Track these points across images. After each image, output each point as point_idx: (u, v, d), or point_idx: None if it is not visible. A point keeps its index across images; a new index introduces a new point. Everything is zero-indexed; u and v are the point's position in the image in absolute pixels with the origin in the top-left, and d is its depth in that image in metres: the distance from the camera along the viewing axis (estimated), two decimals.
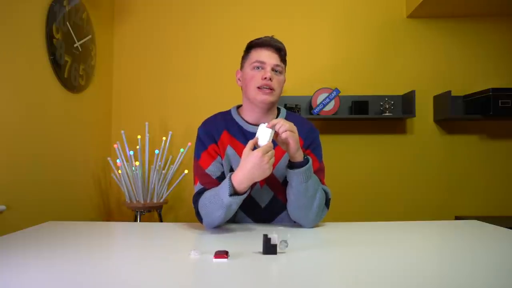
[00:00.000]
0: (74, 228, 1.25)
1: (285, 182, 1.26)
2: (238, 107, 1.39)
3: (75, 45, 2.17)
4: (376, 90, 2.72)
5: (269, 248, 0.89)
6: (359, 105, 2.56)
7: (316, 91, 2.61)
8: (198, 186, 1.25)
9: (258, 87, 1.23)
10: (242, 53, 1.38)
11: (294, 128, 1.15)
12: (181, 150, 2.51)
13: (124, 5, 2.79)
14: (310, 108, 2.64)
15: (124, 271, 0.79)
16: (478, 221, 1.35)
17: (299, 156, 1.16)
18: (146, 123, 2.54)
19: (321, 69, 2.75)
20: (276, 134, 1.14)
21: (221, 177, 1.24)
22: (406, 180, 2.72)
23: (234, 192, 1.12)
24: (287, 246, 0.91)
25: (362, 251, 0.95)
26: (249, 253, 0.91)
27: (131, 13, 2.79)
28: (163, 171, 2.44)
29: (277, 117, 1.34)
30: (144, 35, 2.78)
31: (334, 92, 2.54)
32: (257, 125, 1.23)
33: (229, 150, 1.28)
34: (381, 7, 2.76)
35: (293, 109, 2.55)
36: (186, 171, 2.55)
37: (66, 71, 2.08)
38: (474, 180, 2.70)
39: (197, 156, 1.30)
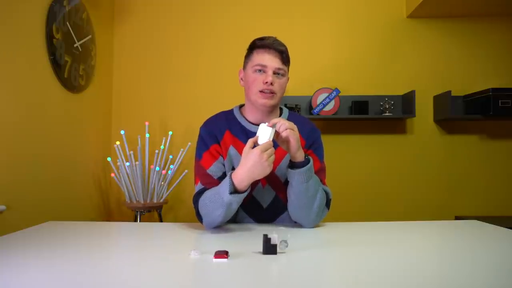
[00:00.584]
0: (74, 228, 1.25)
1: (287, 182, 1.25)
2: (241, 106, 1.39)
3: (75, 45, 2.17)
4: (376, 90, 2.72)
5: (269, 248, 0.89)
6: (359, 105, 2.56)
7: (316, 91, 2.61)
8: (199, 186, 1.25)
9: (260, 91, 1.23)
10: (242, 53, 1.37)
11: (295, 127, 1.14)
12: (181, 150, 2.51)
13: (124, 5, 2.79)
14: (310, 108, 2.64)
15: (124, 271, 0.79)
16: (478, 221, 1.35)
17: (299, 156, 1.16)
18: (146, 123, 2.54)
19: (321, 69, 2.75)
20: (277, 134, 1.14)
21: (223, 178, 1.23)
22: (406, 180, 2.72)
23: (235, 190, 1.11)
24: (287, 246, 0.91)
25: (362, 251, 0.95)
26: (249, 253, 0.91)
27: (131, 13, 2.79)
28: (163, 171, 2.44)
29: (279, 117, 1.34)
30: (144, 35, 2.79)
31: (334, 92, 2.54)
32: (259, 125, 1.23)
33: (232, 150, 1.28)
34: (381, 7, 2.76)
35: (293, 109, 2.55)
36: (186, 171, 2.55)
37: (66, 71, 2.08)
38: (474, 180, 2.70)
39: (198, 156, 1.30)
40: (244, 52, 1.36)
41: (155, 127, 2.73)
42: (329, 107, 2.56)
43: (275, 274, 0.80)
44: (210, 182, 1.24)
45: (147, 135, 2.47)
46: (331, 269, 0.83)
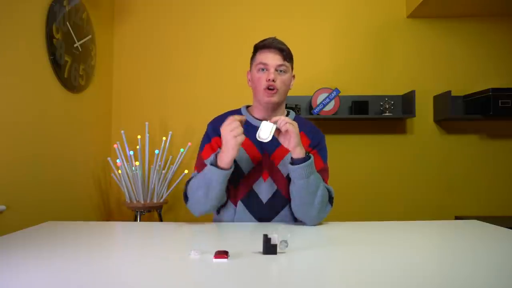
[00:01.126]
0: (74, 228, 1.25)
1: (289, 178, 1.28)
2: (247, 107, 1.46)
3: (75, 45, 2.17)
4: (376, 90, 2.72)
5: (269, 248, 0.89)
6: (359, 105, 2.56)
7: (316, 91, 2.61)
8: (194, 173, 1.34)
9: (264, 89, 1.30)
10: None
11: (295, 123, 1.19)
12: (181, 150, 2.51)
13: (124, 5, 2.79)
14: (310, 108, 2.64)
15: (124, 271, 0.79)
16: (478, 221, 1.35)
17: (300, 152, 1.20)
18: (146, 123, 2.54)
19: (321, 69, 2.75)
20: (278, 132, 1.18)
21: None
22: (406, 180, 2.72)
23: (216, 165, 1.19)
24: (287, 246, 0.91)
25: (362, 251, 0.95)
26: (249, 253, 0.91)
27: (131, 13, 2.79)
28: (163, 171, 2.44)
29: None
30: (144, 35, 2.79)
31: (334, 92, 2.54)
32: (265, 120, 1.32)
33: None
34: (381, 7, 2.76)
35: (293, 109, 2.54)
36: (186, 171, 2.55)
37: (66, 71, 2.08)
38: (474, 180, 2.70)
39: (200, 148, 1.39)
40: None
41: (155, 127, 2.73)
42: (329, 107, 2.56)
43: (275, 274, 0.80)
44: None
45: (147, 135, 2.47)
46: (332, 269, 0.83)
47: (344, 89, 2.66)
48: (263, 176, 1.33)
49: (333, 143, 2.72)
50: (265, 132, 1.14)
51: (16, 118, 1.69)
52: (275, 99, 1.31)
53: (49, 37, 1.91)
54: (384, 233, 1.19)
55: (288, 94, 2.79)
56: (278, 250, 0.90)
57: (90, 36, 2.35)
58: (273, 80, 1.28)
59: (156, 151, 2.45)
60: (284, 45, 1.35)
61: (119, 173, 2.40)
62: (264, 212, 1.33)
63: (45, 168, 1.91)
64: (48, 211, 1.90)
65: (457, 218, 2.62)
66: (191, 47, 2.78)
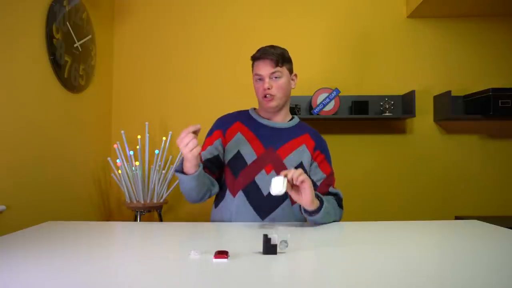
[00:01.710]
0: (74, 228, 1.25)
1: None
2: (255, 108, 1.55)
3: (75, 45, 2.17)
4: (376, 90, 2.72)
5: (269, 248, 0.89)
6: (359, 105, 2.56)
7: (316, 91, 2.61)
8: None
9: (262, 97, 1.40)
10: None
11: (308, 179, 1.18)
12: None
13: (124, 5, 2.79)
14: (310, 108, 2.64)
15: (124, 271, 0.79)
16: (478, 221, 1.35)
17: (315, 204, 1.21)
18: (146, 123, 2.54)
19: (321, 69, 2.75)
20: (290, 185, 1.17)
21: (209, 161, 1.40)
22: (406, 180, 2.72)
23: (181, 171, 1.29)
24: (287, 246, 0.91)
25: (362, 250, 0.95)
26: (249, 253, 0.91)
27: (131, 13, 2.79)
28: (163, 171, 2.44)
29: (289, 121, 1.50)
30: (144, 35, 2.79)
31: (334, 92, 2.54)
32: (270, 120, 1.46)
33: (239, 136, 1.42)
34: (381, 7, 2.76)
35: (293, 109, 2.55)
36: None
37: (66, 71, 2.08)
38: (474, 180, 2.70)
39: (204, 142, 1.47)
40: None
41: (155, 127, 2.73)
42: (329, 107, 2.56)
43: (275, 274, 0.80)
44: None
45: (147, 135, 2.47)
46: (331, 269, 0.83)
47: (344, 89, 2.66)
48: (266, 169, 1.37)
49: (333, 143, 2.71)
50: (278, 186, 1.12)
51: (16, 118, 1.69)
52: (273, 104, 1.40)
53: (49, 37, 1.91)
54: (384, 233, 1.19)
55: None
56: (278, 250, 0.90)
57: (90, 36, 2.35)
58: (269, 88, 1.37)
59: (156, 151, 2.45)
60: (277, 50, 1.40)
61: (119, 173, 2.40)
62: (264, 205, 1.35)
63: (45, 168, 1.91)
64: (48, 211, 1.90)
65: (457, 218, 2.62)
66: (191, 47, 2.78)
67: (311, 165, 1.44)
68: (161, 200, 2.45)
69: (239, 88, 2.71)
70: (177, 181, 2.49)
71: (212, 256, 0.86)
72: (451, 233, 1.22)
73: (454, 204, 2.69)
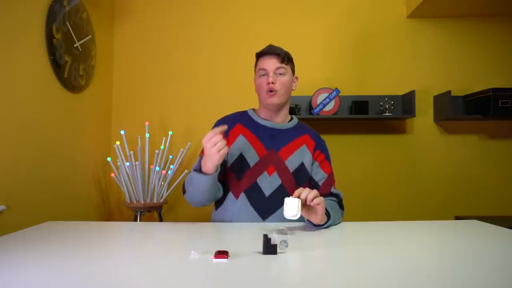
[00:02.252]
0: (74, 228, 1.25)
1: (295, 172, 1.39)
2: (254, 109, 1.55)
3: (75, 45, 2.17)
4: (376, 90, 2.72)
5: (269, 248, 0.89)
6: (359, 105, 2.56)
7: (316, 91, 2.61)
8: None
9: (266, 92, 1.39)
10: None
11: (322, 198, 1.16)
12: (181, 150, 2.51)
13: (124, 5, 2.79)
14: (310, 108, 2.64)
15: (124, 271, 0.79)
16: (478, 221, 1.35)
17: (322, 220, 1.20)
18: (146, 123, 2.54)
19: (321, 69, 2.75)
20: (303, 204, 1.15)
21: None
22: (406, 180, 2.72)
23: (200, 170, 1.26)
24: (287, 246, 0.91)
25: (362, 250, 0.95)
26: (249, 253, 0.91)
27: (131, 13, 2.79)
28: (163, 171, 2.44)
29: (289, 122, 1.49)
30: (144, 35, 2.79)
31: (334, 92, 2.54)
32: (270, 120, 1.45)
33: (241, 138, 1.41)
34: (381, 7, 2.76)
35: (293, 109, 2.55)
36: (186, 171, 2.55)
37: (66, 71, 2.08)
38: (474, 180, 2.70)
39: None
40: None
41: (155, 127, 2.73)
42: (329, 107, 2.56)
43: (275, 274, 0.80)
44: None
45: (147, 135, 2.47)
46: (332, 269, 0.83)
47: (344, 89, 2.66)
48: (268, 170, 1.38)
49: (333, 143, 2.72)
50: (292, 209, 1.09)
51: (16, 118, 1.69)
52: (275, 100, 1.39)
53: (49, 37, 1.91)
54: (384, 233, 1.19)
55: None
56: (278, 250, 0.90)
57: (90, 36, 2.35)
58: (273, 82, 1.36)
59: (156, 151, 2.45)
60: (281, 49, 1.42)
61: (119, 173, 2.40)
62: (265, 206, 1.36)
63: (45, 168, 1.91)
64: (48, 211, 1.90)
65: (457, 218, 2.62)
66: (191, 47, 2.78)
67: (312, 164, 1.44)
68: (161, 200, 2.45)
69: (239, 88, 2.71)
70: (177, 181, 2.50)
71: (212, 256, 0.86)
72: (451, 233, 1.21)
73: (454, 204, 2.69)
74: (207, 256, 0.87)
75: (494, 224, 1.27)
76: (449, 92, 2.48)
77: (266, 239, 0.89)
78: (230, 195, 1.39)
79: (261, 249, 0.91)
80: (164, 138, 2.57)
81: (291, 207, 1.09)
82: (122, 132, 2.45)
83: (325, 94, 2.57)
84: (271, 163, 1.39)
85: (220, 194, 1.41)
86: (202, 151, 1.40)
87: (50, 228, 1.23)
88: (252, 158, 1.38)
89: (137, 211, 2.38)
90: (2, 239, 1.06)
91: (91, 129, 2.44)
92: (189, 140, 2.65)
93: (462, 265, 0.82)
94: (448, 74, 2.72)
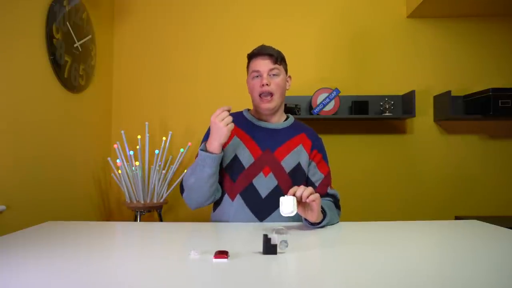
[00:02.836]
0: (74, 228, 1.25)
1: (291, 172, 1.37)
2: (249, 110, 1.54)
3: (75, 45, 2.17)
4: (376, 90, 2.72)
5: (269, 248, 0.89)
6: (359, 105, 2.56)
7: (316, 91, 2.61)
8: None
9: (259, 95, 1.37)
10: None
11: (317, 195, 1.17)
12: (181, 150, 2.51)
13: (124, 5, 2.79)
14: (310, 108, 2.64)
15: (124, 271, 0.79)
16: (478, 221, 1.35)
17: (318, 218, 1.20)
18: (146, 123, 2.54)
19: (321, 69, 2.75)
20: (298, 201, 1.15)
21: None
22: (406, 180, 2.72)
23: (205, 150, 1.27)
24: (287, 246, 0.91)
25: (362, 250, 0.95)
26: (249, 253, 0.91)
27: (131, 13, 2.79)
28: (163, 171, 2.44)
29: (284, 121, 1.48)
30: (144, 35, 2.79)
31: (334, 92, 2.54)
32: (265, 121, 1.44)
33: (235, 139, 1.41)
34: (381, 7, 2.76)
35: (293, 109, 2.55)
36: (186, 171, 2.55)
37: (66, 71, 2.08)
38: (474, 180, 2.70)
39: (200, 144, 1.44)
40: (244, 52, 1.47)
41: (155, 127, 2.73)
42: (329, 107, 2.56)
43: (275, 274, 0.80)
44: None
45: (147, 135, 2.47)
46: (331, 269, 0.83)
47: (344, 89, 2.66)
48: (264, 171, 1.36)
49: (333, 143, 2.72)
50: (288, 207, 1.10)
51: (16, 118, 1.69)
52: (272, 105, 1.38)
53: (49, 37, 1.91)
54: (384, 233, 1.19)
55: (288, 94, 2.82)
56: (278, 250, 0.90)
57: (90, 36, 2.35)
58: (267, 84, 1.34)
59: (156, 151, 2.45)
60: (273, 49, 1.40)
61: (119, 173, 2.40)
62: (262, 208, 1.35)
63: (45, 168, 1.91)
64: (48, 211, 1.90)
65: (457, 218, 2.62)
66: (191, 47, 2.78)
67: (309, 165, 1.43)
68: (161, 200, 2.45)
69: (239, 88, 2.71)
70: (177, 181, 2.50)
71: (212, 256, 0.86)
72: (451, 233, 1.21)
73: (454, 204, 2.69)
74: (207, 256, 0.87)
75: (494, 224, 1.27)
76: (449, 92, 2.48)
77: (266, 239, 0.89)
78: (226, 197, 1.39)
79: (261, 249, 0.91)
80: (164, 138, 2.57)
81: (287, 204, 1.10)
82: (122, 132, 2.45)
83: (325, 94, 2.57)
84: (266, 163, 1.37)
85: (219, 194, 1.40)
86: (197, 155, 1.41)
87: (50, 228, 1.23)
88: (247, 159, 1.37)
89: (137, 211, 2.38)
90: (2, 239, 1.06)
91: (91, 129, 2.44)
92: (189, 140, 2.65)
93: (462, 265, 0.82)
94: (448, 74, 2.72)
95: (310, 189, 1.14)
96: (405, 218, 2.64)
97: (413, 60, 2.74)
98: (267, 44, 1.45)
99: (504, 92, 2.38)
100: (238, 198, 1.35)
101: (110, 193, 2.73)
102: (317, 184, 1.42)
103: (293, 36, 2.74)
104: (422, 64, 2.73)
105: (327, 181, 1.44)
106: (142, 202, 2.37)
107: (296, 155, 1.40)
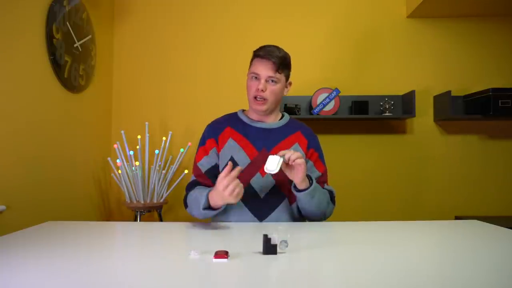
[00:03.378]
0: (74, 228, 1.25)
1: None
2: (244, 110, 1.54)
3: (75, 45, 2.17)
4: (376, 90, 2.72)
5: (269, 248, 0.89)
6: (359, 105, 2.56)
7: (316, 91, 2.61)
8: (192, 177, 1.44)
9: (254, 97, 1.38)
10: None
11: (302, 158, 1.24)
12: (181, 150, 2.51)
13: (124, 5, 2.79)
14: (310, 108, 2.64)
15: (124, 271, 0.79)
16: (478, 221, 1.36)
17: (305, 183, 1.28)
18: (146, 123, 2.54)
19: (321, 69, 2.75)
20: (285, 165, 1.23)
21: (209, 171, 1.41)
22: (406, 180, 2.72)
23: (209, 206, 1.24)
24: (287, 246, 0.91)
25: (362, 250, 0.95)
26: (249, 253, 0.91)
27: (131, 13, 2.79)
28: (163, 171, 2.44)
29: (280, 120, 1.49)
30: (144, 35, 2.78)
31: (334, 92, 2.54)
32: (260, 120, 1.44)
33: (231, 142, 1.40)
34: (381, 7, 2.76)
35: (293, 109, 2.55)
36: (186, 171, 2.55)
37: (66, 71, 2.08)
38: (474, 180, 2.70)
39: (197, 150, 1.47)
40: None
41: (155, 127, 2.73)
42: (329, 107, 2.56)
43: (275, 274, 0.80)
44: (199, 174, 1.42)
45: (147, 135, 2.47)
46: (331, 269, 0.83)
47: (344, 89, 2.66)
48: (261, 172, 1.36)
49: (333, 143, 2.72)
50: (272, 164, 1.17)
51: (16, 118, 1.69)
52: (264, 108, 1.39)
53: (49, 37, 1.91)
54: (384, 233, 1.19)
55: (289, 94, 2.81)
56: (278, 250, 0.90)
57: (90, 36, 2.35)
58: (263, 90, 1.35)
59: (156, 151, 2.45)
60: (280, 54, 1.37)
61: (119, 173, 2.40)
62: (261, 208, 1.35)
63: (45, 168, 1.91)
64: (48, 211, 1.90)
65: (457, 218, 2.62)
66: (191, 47, 2.78)
67: (306, 163, 1.43)
68: (161, 200, 2.45)
69: (239, 88, 2.71)
70: (177, 181, 2.50)
71: (212, 256, 0.86)
72: (451, 233, 1.22)
73: (454, 204, 2.69)
74: (207, 256, 0.87)
75: (494, 224, 1.27)
76: (449, 92, 2.48)
77: (266, 239, 0.89)
78: None
79: (261, 249, 0.91)
80: (164, 138, 2.57)
81: (272, 163, 1.17)
82: (122, 132, 2.45)
83: (325, 94, 2.57)
84: (263, 163, 1.35)
85: None
86: (194, 168, 1.43)
87: (50, 228, 1.23)
88: (243, 160, 1.37)
89: (137, 211, 2.38)
90: (2, 239, 1.06)
91: (91, 129, 2.44)
92: (189, 140, 2.65)
93: (462, 265, 0.82)
94: (448, 74, 2.72)
95: (298, 153, 1.21)
96: (405, 218, 2.63)
97: (413, 60, 2.74)
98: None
99: (504, 92, 2.38)
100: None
101: (110, 193, 2.73)
102: None
103: (293, 36, 2.74)
104: (422, 64, 2.73)
105: (323, 178, 1.45)
106: (142, 202, 2.37)
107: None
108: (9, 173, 1.64)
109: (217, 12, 2.78)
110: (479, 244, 1.02)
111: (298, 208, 1.41)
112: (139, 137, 2.44)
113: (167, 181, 2.45)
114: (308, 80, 2.70)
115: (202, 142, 1.45)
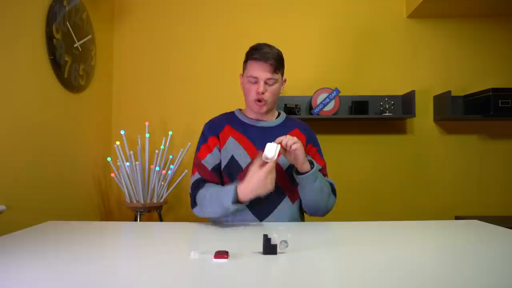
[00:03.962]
0: (74, 228, 1.25)
1: (288, 169, 1.39)
2: (240, 109, 1.55)
3: (75, 45, 2.17)
4: (376, 90, 2.72)
5: (269, 248, 0.89)
6: (359, 105, 2.56)
7: (316, 91, 2.61)
8: (196, 176, 1.39)
9: (254, 100, 1.39)
10: (242, 54, 1.46)
11: (299, 141, 1.26)
12: (181, 150, 2.51)
13: (124, 5, 2.79)
14: (310, 108, 2.64)
15: (124, 271, 0.79)
16: (478, 221, 1.36)
17: (306, 166, 1.30)
18: (146, 123, 2.54)
19: (321, 69, 2.75)
20: (283, 150, 1.26)
21: (215, 169, 1.39)
22: (406, 180, 2.72)
23: (238, 201, 1.22)
24: (287, 246, 0.91)
25: (362, 250, 0.95)
26: (249, 253, 0.91)
27: (131, 13, 2.79)
28: (163, 171, 2.44)
29: (276, 118, 1.51)
30: (144, 35, 2.79)
31: (334, 92, 2.53)
32: (258, 120, 1.45)
33: (231, 140, 1.41)
34: (381, 7, 2.76)
35: (293, 109, 2.55)
36: (186, 171, 2.55)
37: (66, 71, 2.08)
38: (474, 180, 2.70)
39: (197, 149, 1.45)
40: (244, 52, 1.44)
41: (155, 127, 2.73)
42: (329, 107, 2.55)
43: (275, 274, 0.80)
44: (205, 173, 1.38)
45: (147, 135, 2.47)
46: (332, 269, 0.83)
47: (344, 89, 2.66)
48: None
49: (333, 143, 2.72)
50: (270, 151, 1.18)
51: (16, 118, 1.69)
52: (264, 109, 1.41)
53: (49, 37, 1.91)
54: (384, 233, 1.19)
55: (289, 94, 2.81)
56: (278, 250, 0.90)
57: (90, 36, 2.35)
58: (263, 93, 1.36)
59: (156, 151, 2.45)
60: (274, 54, 1.37)
61: (119, 173, 2.40)
62: (262, 207, 1.35)
63: (45, 168, 1.91)
64: (48, 211, 1.90)
65: (457, 218, 2.62)
66: (191, 47, 2.78)
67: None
68: (161, 200, 2.45)
69: (238, 88, 2.69)
70: (177, 181, 2.50)
71: (212, 256, 0.86)
72: (451, 233, 1.21)
73: (454, 204, 2.69)
74: (207, 256, 0.87)
75: (494, 224, 1.27)
76: (449, 92, 2.48)
77: (266, 239, 0.89)
78: None
79: (261, 249, 0.91)
80: (164, 138, 2.57)
81: (270, 150, 1.18)
82: (122, 132, 2.45)
83: (325, 94, 2.57)
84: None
85: None
86: (197, 166, 1.40)
87: (50, 228, 1.23)
88: (244, 159, 1.38)
89: (137, 211, 2.38)
90: (2, 239, 1.06)
91: (91, 129, 2.44)
92: (189, 140, 2.65)
93: (462, 265, 0.82)
94: (448, 74, 2.72)
95: (294, 138, 1.24)
96: (405, 218, 2.63)
97: (413, 60, 2.74)
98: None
99: (504, 92, 2.38)
100: None
101: (110, 193, 2.73)
102: None
103: (293, 36, 2.74)
104: (422, 64, 2.73)
105: (323, 172, 1.46)
106: (142, 202, 2.37)
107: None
108: (9, 173, 1.64)
109: (217, 12, 2.78)
110: (479, 244, 1.03)
111: (298, 207, 1.41)
112: (139, 137, 2.44)
113: (167, 181, 2.45)
114: (308, 80, 2.70)
115: (204, 140, 1.44)
